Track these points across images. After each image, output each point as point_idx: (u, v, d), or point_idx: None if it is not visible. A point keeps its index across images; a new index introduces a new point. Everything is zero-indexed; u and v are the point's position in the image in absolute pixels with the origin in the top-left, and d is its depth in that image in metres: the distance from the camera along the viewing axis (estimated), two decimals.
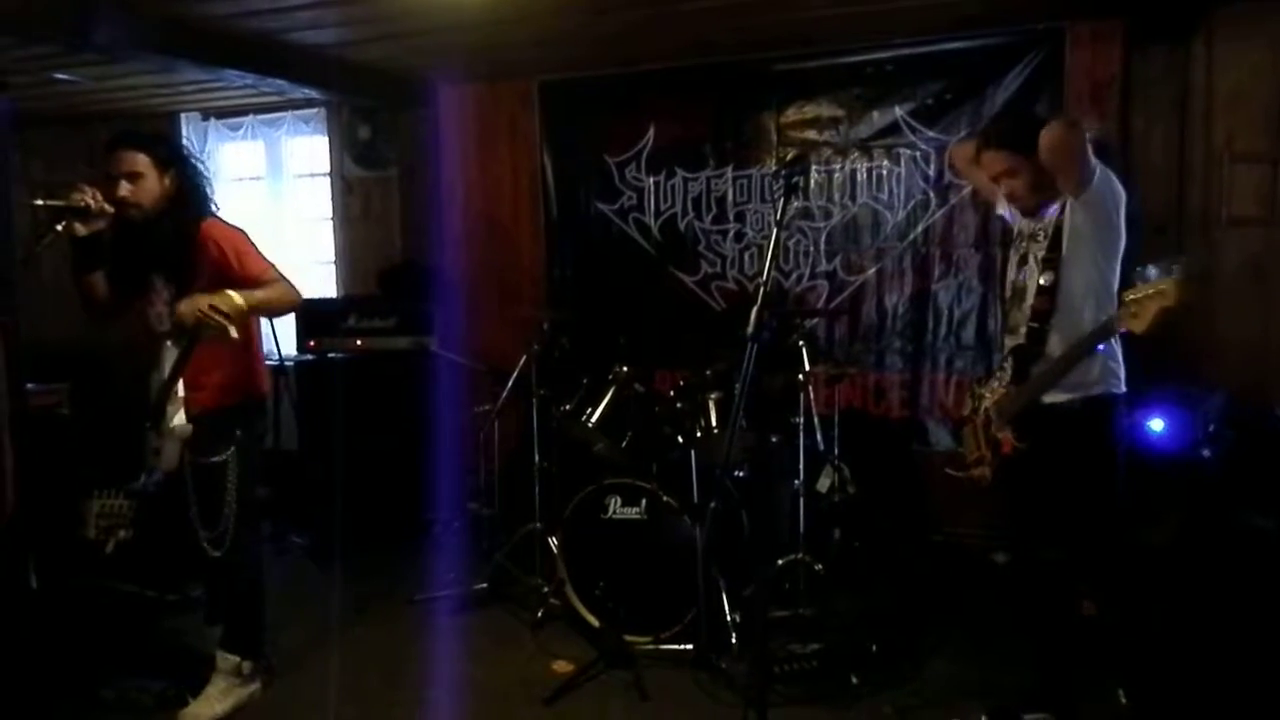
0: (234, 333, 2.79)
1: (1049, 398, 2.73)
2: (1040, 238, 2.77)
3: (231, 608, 3.22)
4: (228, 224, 3.08)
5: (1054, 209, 2.73)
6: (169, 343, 2.96)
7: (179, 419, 2.95)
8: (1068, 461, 2.73)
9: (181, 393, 2.95)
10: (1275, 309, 4.24)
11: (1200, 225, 4.34)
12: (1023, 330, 2.79)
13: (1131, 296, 2.32)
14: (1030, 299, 2.76)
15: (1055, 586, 2.85)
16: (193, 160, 3.10)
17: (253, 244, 3.07)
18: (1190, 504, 3.59)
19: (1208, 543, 3.47)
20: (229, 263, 2.96)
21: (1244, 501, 3.53)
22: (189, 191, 3.02)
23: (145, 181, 2.95)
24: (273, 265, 3.06)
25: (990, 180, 2.87)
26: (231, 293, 2.84)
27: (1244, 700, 3.00)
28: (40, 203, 2.93)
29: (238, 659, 3.19)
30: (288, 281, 3.06)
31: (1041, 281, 2.71)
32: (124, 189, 2.92)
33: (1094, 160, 2.59)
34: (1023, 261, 2.84)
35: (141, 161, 2.94)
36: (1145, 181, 4.39)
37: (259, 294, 2.93)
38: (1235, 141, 4.25)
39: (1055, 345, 2.71)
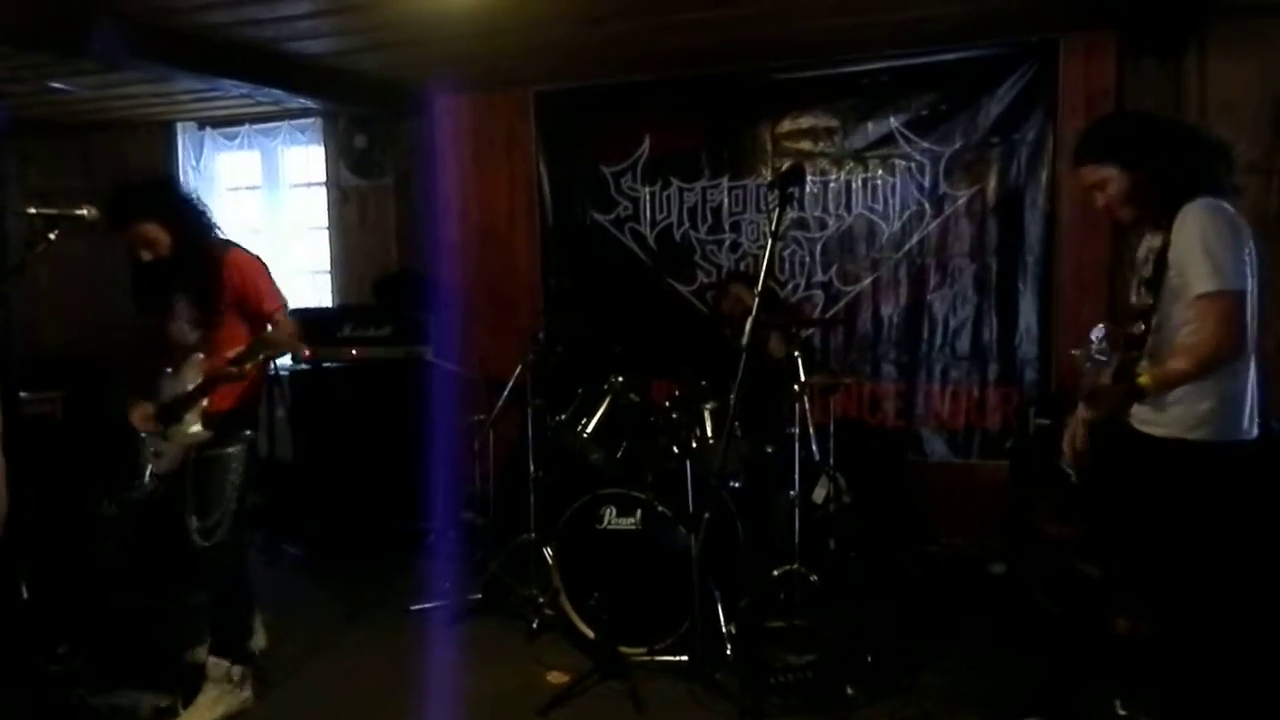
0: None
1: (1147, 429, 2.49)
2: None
3: (217, 610, 3.25)
4: (249, 254, 3.26)
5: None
6: (199, 354, 3.13)
7: (196, 427, 3.11)
8: (1153, 499, 2.50)
9: (205, 404, 3.12)
10: (1266, 319, 4.24)
11: None
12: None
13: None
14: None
15: (1093, 601, 2.77)
16: (190, 199, 3.28)
17: (270, 277, 3.25)
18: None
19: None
20: (248, 293, 3.17)
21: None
22: (200, 230, 3.21)
23: (160, 242, 3.14)
24: (285, 303, 3.24)
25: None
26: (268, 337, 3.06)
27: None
28: (34, 211, 2.94)
29: (228, 664, 3.20)
30: (292, 321, 3.22)
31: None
32: (146, 255, 3.14)
33: (1236, 321, 2.34)
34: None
35: (152, 229, 3.12)
36: None
37: (276, 340, 3.09)
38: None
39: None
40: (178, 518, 3.17)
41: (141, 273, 3.21)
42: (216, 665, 3.19)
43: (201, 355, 3.13)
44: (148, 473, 3.24)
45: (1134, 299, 2.57)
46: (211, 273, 3.13)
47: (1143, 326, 2.45)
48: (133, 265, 3.23)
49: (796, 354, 3.83)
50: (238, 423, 3.20)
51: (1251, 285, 2.41)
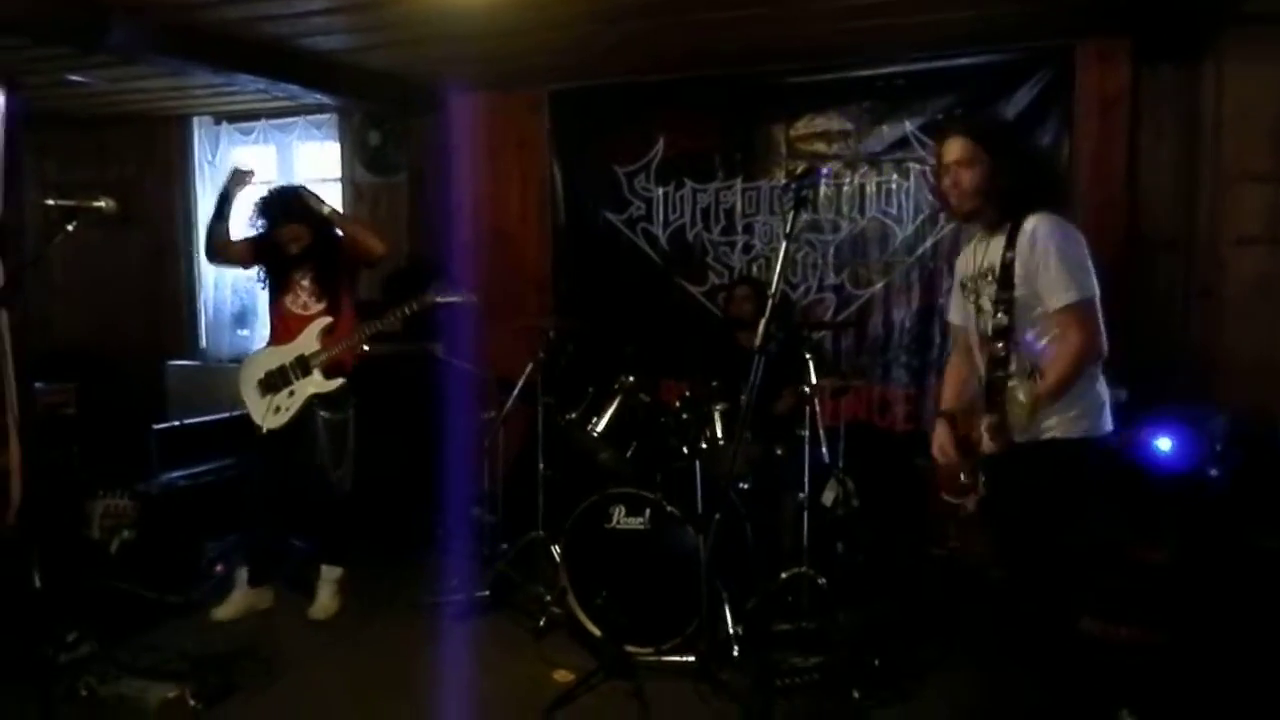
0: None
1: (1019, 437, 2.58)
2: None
3: (339, 532, 4.18)
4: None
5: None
6: (327, 319, 4.01)
7: (320, 377, 3.96)
8: (1038, 501, 2.61)
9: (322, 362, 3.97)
10: None
11: (1208, 243, 4.34)
12: None
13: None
14: None
15: (1049, 605, 2.79)
16: (319, 204, 4.02)
17: None
18: (1196, 523, 3.57)
19: (1214, 562, 3.46)
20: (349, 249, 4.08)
21: (1251, 521, 3.52)
22: (326, 221, 4.03)
23: (304, 238, 4.00)
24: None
25: (941, 168, 2.68)
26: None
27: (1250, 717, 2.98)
28: (52, 202, 2.96)
29: (341, 570, 4.13)
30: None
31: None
32: (293, 249, 4.01)
33: (1096, 327, 2.51)
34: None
35: (304, 230, 3.99)
36: (1153, 199, 4.40)
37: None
38: (1244, 160, 4.24)
39: None
40: (316, 470, 4.01)
41: (279, 257, 4.01)
42: (332, 570, 4.13)
43: (331, 319, 3.99)
44: (263, 429, 3.94)
45: (989, 323, 2.60)
46: (338, 253, 4.01)
47: (1002, 346, 2.54)
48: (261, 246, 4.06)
49: (808, 356, 3.82)
50: (350, 389, 4.03)
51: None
